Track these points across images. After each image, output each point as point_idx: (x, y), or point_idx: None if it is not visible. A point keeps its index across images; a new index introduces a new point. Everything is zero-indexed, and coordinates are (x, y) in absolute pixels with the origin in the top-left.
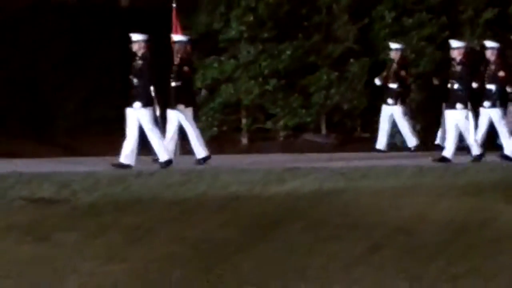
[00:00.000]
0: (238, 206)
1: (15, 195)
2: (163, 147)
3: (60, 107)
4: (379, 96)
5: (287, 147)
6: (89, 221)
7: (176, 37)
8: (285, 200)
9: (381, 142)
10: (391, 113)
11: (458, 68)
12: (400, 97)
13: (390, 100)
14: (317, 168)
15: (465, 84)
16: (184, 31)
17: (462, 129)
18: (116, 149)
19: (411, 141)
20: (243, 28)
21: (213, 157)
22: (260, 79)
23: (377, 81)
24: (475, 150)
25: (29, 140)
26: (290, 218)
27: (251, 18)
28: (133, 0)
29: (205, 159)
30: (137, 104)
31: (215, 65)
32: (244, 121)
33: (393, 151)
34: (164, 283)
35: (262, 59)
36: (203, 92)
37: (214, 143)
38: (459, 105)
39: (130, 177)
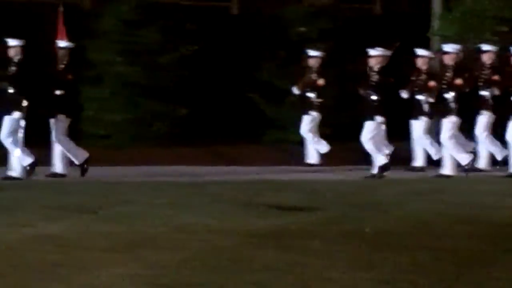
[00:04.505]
0: (482, 216)
1: (260, 201)
2: None
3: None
4: None
5: None
6: (333, 228)
7: (61, 42)
8: None
9: None
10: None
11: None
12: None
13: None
14: None
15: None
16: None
17: None
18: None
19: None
20: None
21: None
22: None
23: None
24: None
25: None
26: None
27: None
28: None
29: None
30: None
31: None
32: None
33: None
34: None
35: None
36: None
37: None
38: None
39: (379, 186)
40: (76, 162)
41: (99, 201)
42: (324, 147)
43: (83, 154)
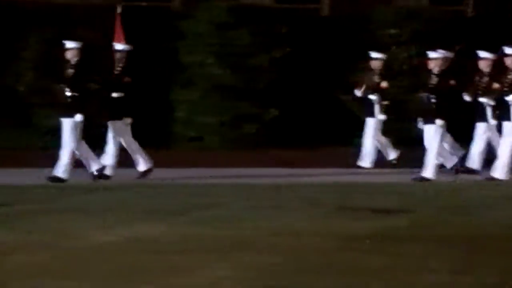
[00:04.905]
0: None
1: (353, 204)
2: None
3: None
4: None
5: None
6: (426, 231)
7: (118, 45)
8: None
9: None
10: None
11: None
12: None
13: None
14: None
15: None
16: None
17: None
18: None
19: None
20: None
21: None
22: None
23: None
24: None
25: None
26: None
27: None
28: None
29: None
30: None
31: None
32: None
33: None
34: None
35: None
36: None
37: None
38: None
39: (473, 187)
40: (92, 169)
41: (191, 204)
42: (392, 152)
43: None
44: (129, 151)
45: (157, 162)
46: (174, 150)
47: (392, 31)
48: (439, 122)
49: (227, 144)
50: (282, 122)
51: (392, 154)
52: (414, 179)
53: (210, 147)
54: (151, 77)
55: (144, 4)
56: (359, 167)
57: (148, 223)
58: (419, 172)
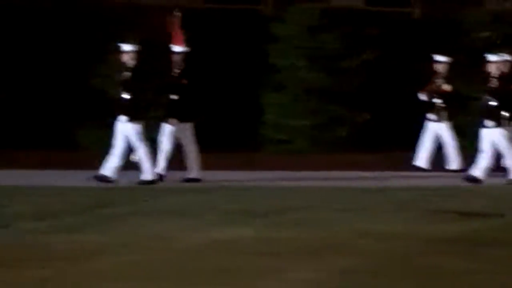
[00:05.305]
0: None
1: (444, 207)
2: None
3: None
4: None
5: None
6: None
7: (176, 47)
8: None
9: None
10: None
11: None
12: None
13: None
14: None
15: None
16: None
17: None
18: None
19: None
20: None
21: None
22: None
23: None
24: None
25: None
26: None
27: None
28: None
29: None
30: None
31: None
32: None
33: None
34: None
35: None
36: None
37: None
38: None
39: None
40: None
41: (280, 206)
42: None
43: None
44: (192, 153)
45: (247, 164)
46: (263, 153)
47: (485, 34)
48: (490, 124)
49: (318, 147)
50: (373, 125)
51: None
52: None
53: (300, 150)
54: (241, 80)
55: (235, 7)
56: (448, 170)
57: (238, 225)
58: (504, 175)
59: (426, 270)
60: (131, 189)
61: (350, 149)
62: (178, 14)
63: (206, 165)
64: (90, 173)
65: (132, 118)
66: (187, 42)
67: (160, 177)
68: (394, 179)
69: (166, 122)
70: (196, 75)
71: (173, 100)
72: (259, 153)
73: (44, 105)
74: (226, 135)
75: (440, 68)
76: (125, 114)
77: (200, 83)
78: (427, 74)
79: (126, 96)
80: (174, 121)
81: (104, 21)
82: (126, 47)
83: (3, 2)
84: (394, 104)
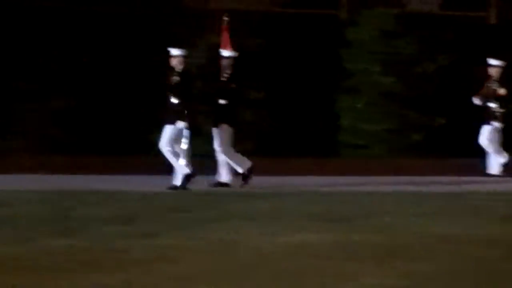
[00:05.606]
0: None
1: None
2: None
3: None
4: None
5: None
6: None
7: (225, 52)
8: None
9: None
10: None
11: None
12: None
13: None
14: None
15: None
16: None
17: None
18: None
19: None
20: None
21: None
22: None
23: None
24: None
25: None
26: None
27: None
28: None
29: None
30: None
31: None
32: None
33: None
34: None
35: None
36: None
37: None
38: None
39: None
40: (240, 171)
41: (356, 211)
42: (503, 158)
43: (247, 163)
44: (222, 157)
45: (324, 170)
46: (341, 158)
47: None
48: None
49: (393, 153)
50: (449, 130)
51: (502, 160)
52: None
53: (376, 155)
54: (316, 84)
55: (311, 11)
56: (490, 175)
57: (316, 230)
58: None
59: (506, 275)
60: (207, 194)
61: (426, 154)
62: (227, 19)
63: (283, 171)
64: (165, 178)
65: (176, 120)
66: (263, 46)
67: (219, 184)
68: (470, 184)
69: (218, 127)
70: (271, 80)
71: (221, 105)
72: (336, 158)
73: (120, 110)
74: (303, 140)
75: (493, 72)
76: (178, 119)
77: (274, 87)
78: (502, 78)
79: (175, 101)
80: (225, 126)
81: (179, 26)
82: (174, 51)
83: (89, 10)
84: (469, 109)
